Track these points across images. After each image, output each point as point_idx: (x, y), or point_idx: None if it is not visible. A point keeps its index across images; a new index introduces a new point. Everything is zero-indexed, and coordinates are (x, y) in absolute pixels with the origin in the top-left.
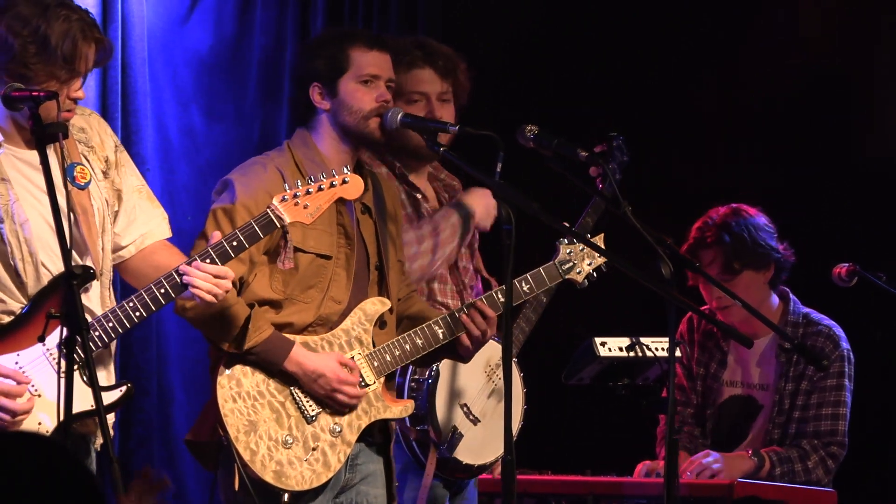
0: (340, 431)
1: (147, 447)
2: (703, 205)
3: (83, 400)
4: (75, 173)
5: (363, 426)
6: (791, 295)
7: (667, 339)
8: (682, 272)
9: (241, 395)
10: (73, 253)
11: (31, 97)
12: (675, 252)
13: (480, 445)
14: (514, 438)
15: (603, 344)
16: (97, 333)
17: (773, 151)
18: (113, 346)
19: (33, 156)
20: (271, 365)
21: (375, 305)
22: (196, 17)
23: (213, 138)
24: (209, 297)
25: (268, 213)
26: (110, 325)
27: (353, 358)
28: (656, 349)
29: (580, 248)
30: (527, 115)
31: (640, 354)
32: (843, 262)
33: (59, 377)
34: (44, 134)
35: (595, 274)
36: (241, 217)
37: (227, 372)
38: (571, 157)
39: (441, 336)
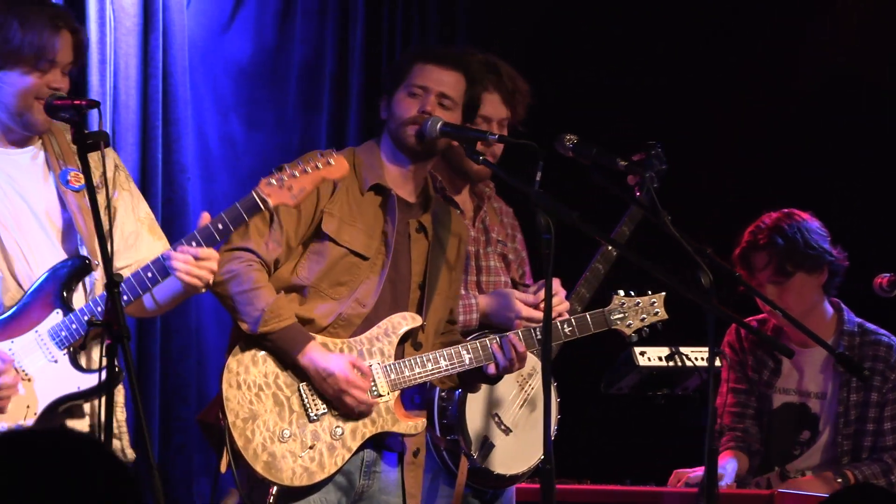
0: (342, 435)
1: (186, 455)
2: (711, 207)
3: (68, 382)
4: (69, 177)
5: (367, 435)
6: (843, 305)
7: (706, 349)
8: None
9: (246, 382)
10: (80, 245)
11: (73, 105)
12: (714, 262)
13: (513, 455)
14: None
15: (642, 353)
16: (86, 318)
17: (782, 153)
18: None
19: (20, 155)
20: (285, 355)
21: (405, 320)
22: (236, 26)
23: (253, 147)
24: (189, 279)
25: (252, 196)
26: (99, 309)
27: (370, 366)
28: (696, 359)
29: (636, 302)
30: (540, 119)
31: (679, 364)
32: (885, 273)
33: (50, 362)
34: (85, 143)
35: (648, 330)
36: (278, 210)
37: (239, 356)
38: (610, 166)
39: (467, 361)
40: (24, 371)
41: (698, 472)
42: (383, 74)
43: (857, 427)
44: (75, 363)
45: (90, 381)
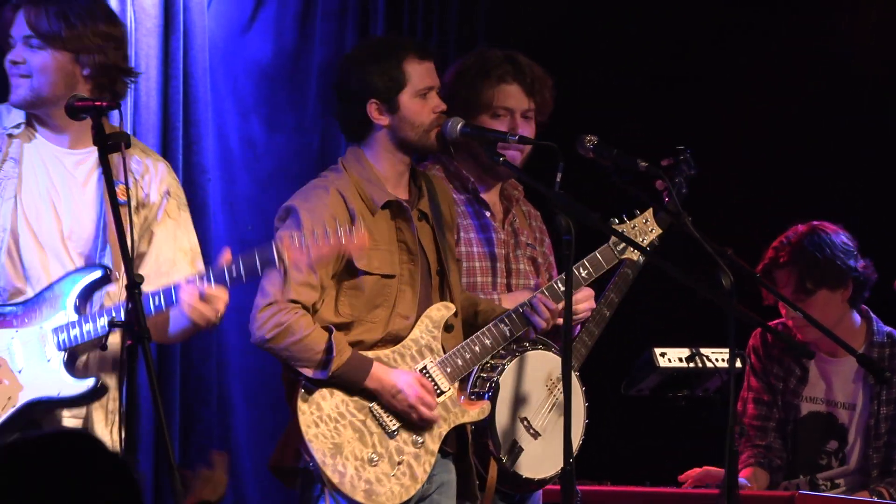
0: (423, 442)
1: (207, 456)
2: (716, 207)
3: (52, 385)
4: (116, 190)
5: (444, 434)
6: (872, 314)
7: (727, 350)
8: (758, 290)
9: (322, 418)
10: (101, 253)
11: (94, 107)
12: (735, 263)
13: (541, 459)
14: (575, 452)
15: (663, 355)
16: (90, 324)
17: (785, 154)
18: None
19: (67, 157)
20: (352, 384)
21: (441, 311)
22: (256, 27)
23: (274, 148)
24: (191, 313)
25: (271, 247)
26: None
27: (425, 367)
28: (716, 360)
29: (632, 226)
30: (550, 119)
31: (700, 365)
32: None
33: (43, 361)
34: (106, 144)
35: (655, 243)
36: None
37: (307, 397)
38: (631, 167)
39: (508, 333)
40: (14, 362)
41: None
42: (363, 76)
43: (888, 440)
44: (68, 368)
45: (74, 389)
